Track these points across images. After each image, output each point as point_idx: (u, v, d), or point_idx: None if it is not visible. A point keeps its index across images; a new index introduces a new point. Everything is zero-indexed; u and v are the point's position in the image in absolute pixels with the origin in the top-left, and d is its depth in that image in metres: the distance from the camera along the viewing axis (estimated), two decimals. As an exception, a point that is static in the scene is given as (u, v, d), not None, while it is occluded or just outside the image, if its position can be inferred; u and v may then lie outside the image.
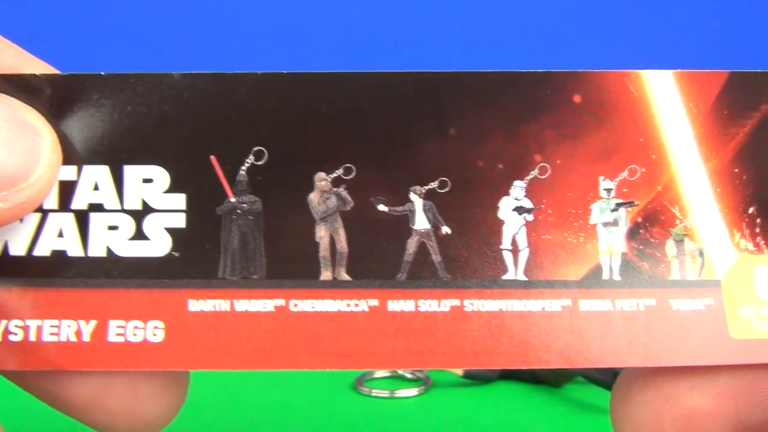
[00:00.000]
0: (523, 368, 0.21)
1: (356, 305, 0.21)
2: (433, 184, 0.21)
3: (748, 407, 0.21)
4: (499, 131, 0.21)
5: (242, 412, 0.40)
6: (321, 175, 0.21)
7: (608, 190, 0.22)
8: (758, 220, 0.21)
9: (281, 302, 0.21)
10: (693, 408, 0.21)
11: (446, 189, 0.21)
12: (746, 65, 0.22)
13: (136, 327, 0.20)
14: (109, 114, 0.21)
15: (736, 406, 0.21)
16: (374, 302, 0.21)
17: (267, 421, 0.39)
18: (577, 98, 0.21)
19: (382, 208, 0.21)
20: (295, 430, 0.38)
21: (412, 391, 0.41)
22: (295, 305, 0.21)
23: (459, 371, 0.41)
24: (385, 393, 0.41)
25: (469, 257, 0.21)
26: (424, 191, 0.21)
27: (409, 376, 0.43)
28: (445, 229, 0.21)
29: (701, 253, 0.22)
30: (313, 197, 0.21)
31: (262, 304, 0.21)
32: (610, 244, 0.22)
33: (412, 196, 0.21)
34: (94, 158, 0.21)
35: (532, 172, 0.21)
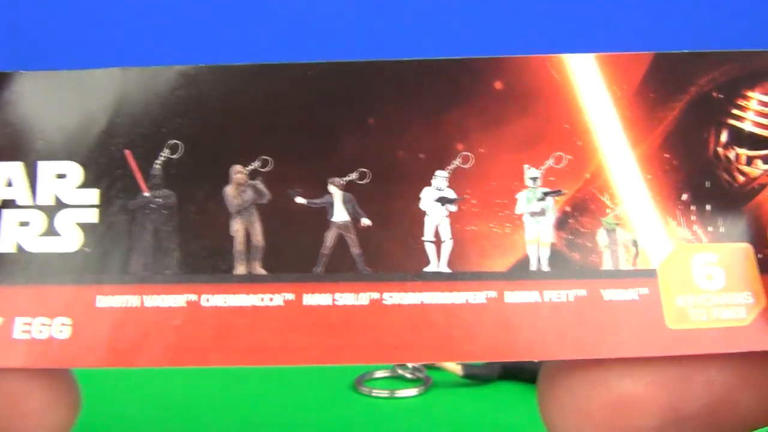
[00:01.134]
0: (449, 362, 0.20)
1: (271, 299, 0.20)
2: (353, 176, 0.21)
3: (682, 397, 0.20)
4: (420, 120, 0.21)
5: (242, 411, 0.39)
6: (237, 167, 0.21)
7: (534, 179, 0.21)
8: (692, 208, 0.21)
9: (193, 297, 0.20)
10: (623, 394, 0.20)
11: (366, 180, 0.21)
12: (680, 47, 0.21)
13: (42, 324, 0.20)
14: (25, 111, 0.21)
15: (668, 395, 0.20)
16: (290, 296, 0.20)
17: (267, 421, 0.38)
18: (498, 85, 0.21)
19: (299, 200, 0.21)
20: (295, 430, 0.37)
21: (412, 391, 0.40)
22: (207, 300, 0.20)
23: (459, 371, 0.40)
24: (385, 393, 0.40)
25: (390, 250, 0.20)
26: (343, 183, 0.21)
27: (409, 376, 0.42)
28: (365, 221, 0.21)
29: (635, 243, 0.21)
30: (229, 190, 0.21)
31: (173, 300, 0.20)
32: (538, 234, 0.21)
33: (331, 188, 0.21)
34: (8, 154, 0.21)
35: (454, 162, 0.21)
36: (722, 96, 0.20)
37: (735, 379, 0.21)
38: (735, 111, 0.21)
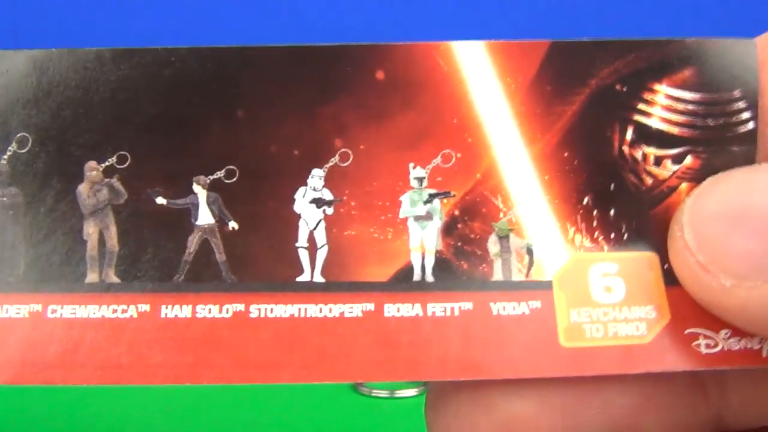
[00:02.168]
0: (318, 383, 0.18)
1: (124, 311, 0.18)
2: (219, 174, 0.19)
3: (577, 420, 0.18)
4: (295, 113, 0.19)
5: (243, 412, 0.39)
6: (91, 164, 0.19)
7: (420, 179, 0.19)
8: (595, 212, 0.19)
9: (37, 308, 0.18)
10: (511, 416, 0.18)
11: (234, 179, 0.19)
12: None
13: None
14: None
15: (562, 418, 0.18)
16: (145, 307, 0.18)
17: (267, 421, 0.39)
18: (380, 75, 0.19)
19: (160, 200, 0.19)
20: (295, 429, 0.38)
21: (412, 391, 0.40)
22: (54, 311, 0.18)
23: None
24: (384, 393, 0.40)
25: (258, 256, 0.19)
26: (208, 181, 0.19)
27: None
28: (232, 225, 0.19)
29: (529, 251, 0.19)
30: (82, 189, 0.19)
31: (15, 310, 0.18)
32: (422, 240, 0.19)
33: (195, 188, 0.19)
34: None
35: (332, 160, 0.19)
36: (627, 89, 0.18)
37: (636, 401, 0.19)
38: (641, 105, 0.19)
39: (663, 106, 0.18)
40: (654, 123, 0.19)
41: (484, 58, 0.19)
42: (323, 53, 0.19)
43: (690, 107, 0.18)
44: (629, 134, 0.19)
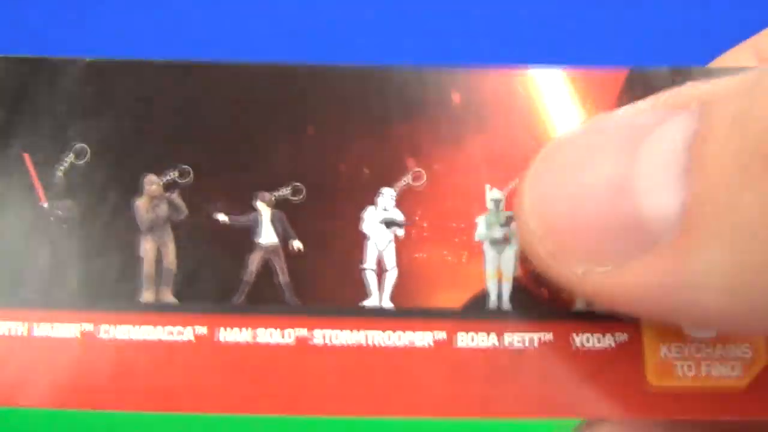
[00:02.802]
0: (383, 417, 0.17)
1: (180, 333, 0.17)
2: (285, 191, 0.18)
3: None
4: (366, 131, 0.18)
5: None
6: (151, 177, 0.18)
7: (497, 201, 0.18)
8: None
9: (89, 327, 0.17)
10: None
11: (300, 197, 0.18)
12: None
13: None
14: None
15: None
16: (202, 330, 0.17)
17: (268, 421, 0.35)
18: (456, 98, 0.18)
19: (221, 217, 0.18)
20: (296, 430, 0.35)
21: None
22: (107, 332, 0.17)
23: None
24: None
25: (324, 278, 0.17)
26: (273, 199, 0.18)
27: None
28: (297, 245, 0.18)
29: (613, 280, 0.17)
30: (141, 204, 0.18)
31: (66, 329, 0.17)
32: (500, 265, 0.18)
33: (259, 205, 0.18)
34: None
35: (404, 179, 0.18)
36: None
37: None
38: None
39: None
40: None
41: (563, 84, 0.18)
42: (398, 75, 0.18)
43: None
44: None
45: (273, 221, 0.18)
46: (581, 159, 0.15)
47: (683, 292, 0.13)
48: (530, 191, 0.16)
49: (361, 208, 0.18)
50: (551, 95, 0.18)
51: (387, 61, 0.18)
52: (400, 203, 0.18)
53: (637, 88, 0.18)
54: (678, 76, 0.18)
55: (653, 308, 0.14)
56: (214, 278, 0.17)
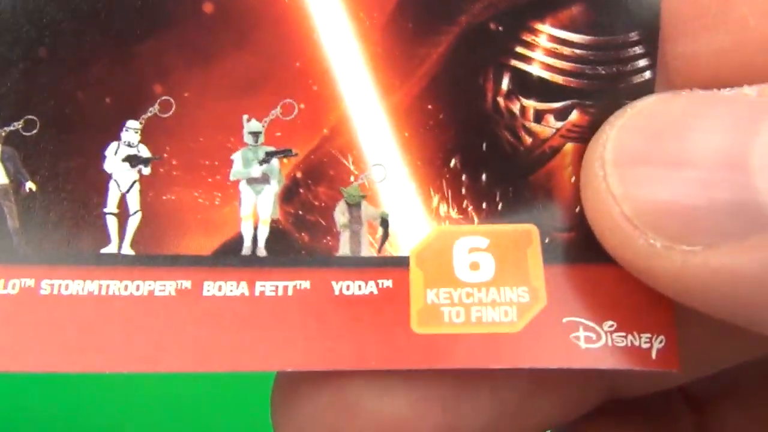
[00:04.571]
0: (118, 373, 0.15)
1: None
2: (17, 125, 0.16)
3: (462, 415, 0.15)
4: (107, 53, 0.16)
5: (244, 413, 0.38)
6: None
7: (255, 134, 0.16)
8: (464, 177, 0.16)
9: None
10: (384, 418, 0.15)
11: (34, 131, 0.16)
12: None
13: None
14: None
15: (444, 413, 0.15)
16: None
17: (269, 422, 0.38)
18: (208, 7, 0.16)
19: None
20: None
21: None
22: None
23: None
24: None
25: (58, 224, 0.15)
26: (3, 134, 0.16)
27: None
28: (29, 186, 0.16)
29: (384, 221, 0.16)
30: None
31: None
32: (256, 207, 0.16)
33: None
34: None
35: (150, 109, 0.16)
36: (503, 28, 0.15)
37: (528, 386, 0.16)
38: (520, 49, 0.15)
39: (546, 49, 0.15)
40: (535, 70, 0.15)
41: (331, -11, 0.15)
42: None
43: (577, 52, 0.15)
44: (505, 83, 0.15)
45: (2, 159, 0.16)
46: (685, 126, 0.13)
47: None
48: (615, 148, 0.14)
49: (103, 143, 0.16)
50: (319, 3, 0.15)
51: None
52: (146, 137, 0.16)
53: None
54: None
55: (740, 295, 0.13)
56: None
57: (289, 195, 0.16)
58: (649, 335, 0.15)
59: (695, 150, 0.13)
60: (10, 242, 0.15)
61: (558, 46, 0.15)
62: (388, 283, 0.15)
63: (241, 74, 0.16)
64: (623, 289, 0.15)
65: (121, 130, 0.16)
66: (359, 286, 0.15)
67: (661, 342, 0.15)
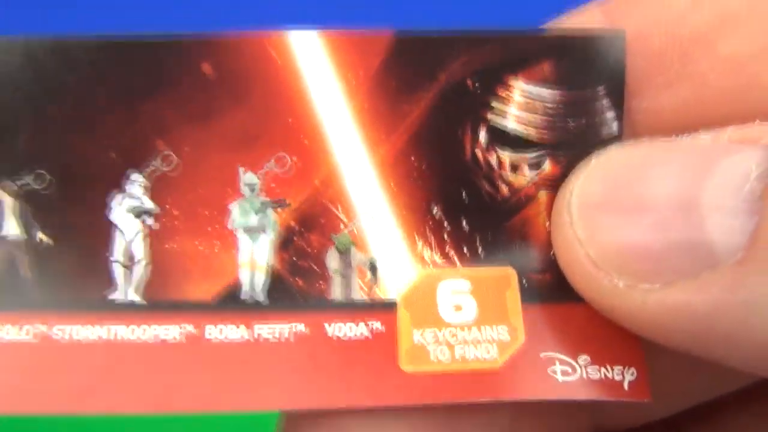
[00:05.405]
0: (132, 414, 0.16)
1: None
2: (28, 179, 0.17)
3: None
4: (113, 112, 0.17)
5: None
6: None
7: (251, 186, 0.17)
8: (446, 224, 0.17)
9: None
10: None
11: (43, 185, 0.17)
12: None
13: None
14: None
15: None
16: None
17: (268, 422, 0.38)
18: (207, 69, 0.17)
19: None
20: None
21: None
22: None
23: None
24: None
25: (67, 272, 0.17)
26: (15, 188, 0.17)
27: None
28: (39, 237, 0.17)
29: (372, 267, 0.17)
30: None
31: None
32: (253, 254, 0.17)
33: (1, 195, 0.17)
34: None
35: (153, 163, 0.17)
36: (479, 84, 0.17)
37: (510, 421, 0.17)
38: (495, 104, 0.17)
39: (519, 104, 0.17)
40: (510, 123, 0.17)
41: (321, 49, 0.17)
42: (143, 46, 0.17)
43: (548, 106, 0.16)
44: (482, 136, 0.17)
45: (16, 212, 0.17)
46: (643, 172, 0.15)
47: (738, 312, 0.13)
48: (580, 196, 0.15)
49: (108, 194, 0.17)
50: (308, 61, 0.17)
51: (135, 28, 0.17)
52: (150, 189, 0.17)
53: (405, 54, 0.17)
54: (449, 41, 0.17)
55: (695, 330, 0.14)
56: None
57: (284, 243, 0.17)
58: (621, 368, 0.16)
59: (652, 195, 0.14)
60: (23, 290, 0.16)
61: (530, 101, 0.16)
62: (377, 324, 0.16)
63: (238, 130, 0.17)
64: (595, 326, 0.16)
65: (126, 182, 0.17)
66: (350, 327, 0.16)
67: (632, 374, 0.16)
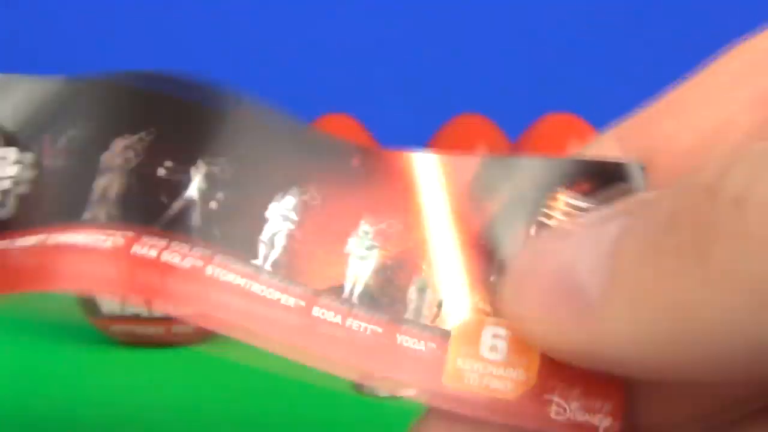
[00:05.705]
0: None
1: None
2: (218, 166, 0.23)
3: None
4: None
5: (244, 411, 0.40)
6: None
7: (366, 232, 0.24)
8: (498, 288, 0.23)
9: None
10: None
11: (226, 175, 0.23)
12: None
13: None
14: None
15: None
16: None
17: (268, 421, 0.39)
18: (356, 162, 0.25)
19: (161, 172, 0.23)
20: (296, 430, 0.38)
21: (414, 390, 0.39)
22: None
23: None
24: (386, 392, 0.40)
25: (228, 235, 0.23)
26: (205, 168, 0.23)
27: None
28: (212, 205, 0.23)
29: (439, 305, 0.23)
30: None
31: None
32: (357, 272, 0.23)
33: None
34: None
35: (301, 195, 0.24)
36: (536, 195, 0.24)
37: None
38: (545, 210, 0.24)
39: (561, 211, 0.24)
40: (552, 224, 0.24)
41: (434, 166, 0.25)
42: (323, 143, 0.25)
43: (583, 213, 0.24)
44: (532, 230, 0.24)
45: (201, 185, 0.23)
46: (535, 253, 0.21)
47: (602, 346, 0.18)
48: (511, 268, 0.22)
49: (270, 202, 0.23)
50: (423, 171, 0.25)
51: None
52: (296, 207, 0.24)
53: (486, 172, 0.25)
54: (523, 164, 0.25)
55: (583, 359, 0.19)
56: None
57: (380, 271, 0.23)
58: (599, 415, 0.22)
59: (535, 270, 0.21)
60: (193, 230, 0.22)
61: (571, 209, 0.24)
62: (433, 345, 0.22)
63: (367, 198, 0.24)
64: (588, 374, 0.22)
65: (283, 196, 0.23)
66: (414, 342, 0.22)
67: (608, 422, 0.22)
